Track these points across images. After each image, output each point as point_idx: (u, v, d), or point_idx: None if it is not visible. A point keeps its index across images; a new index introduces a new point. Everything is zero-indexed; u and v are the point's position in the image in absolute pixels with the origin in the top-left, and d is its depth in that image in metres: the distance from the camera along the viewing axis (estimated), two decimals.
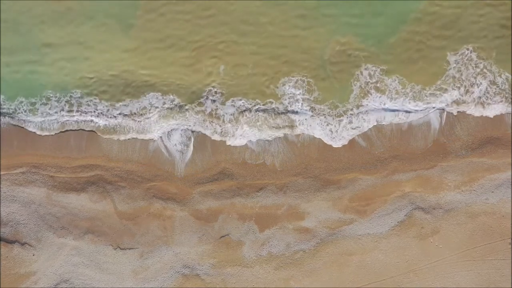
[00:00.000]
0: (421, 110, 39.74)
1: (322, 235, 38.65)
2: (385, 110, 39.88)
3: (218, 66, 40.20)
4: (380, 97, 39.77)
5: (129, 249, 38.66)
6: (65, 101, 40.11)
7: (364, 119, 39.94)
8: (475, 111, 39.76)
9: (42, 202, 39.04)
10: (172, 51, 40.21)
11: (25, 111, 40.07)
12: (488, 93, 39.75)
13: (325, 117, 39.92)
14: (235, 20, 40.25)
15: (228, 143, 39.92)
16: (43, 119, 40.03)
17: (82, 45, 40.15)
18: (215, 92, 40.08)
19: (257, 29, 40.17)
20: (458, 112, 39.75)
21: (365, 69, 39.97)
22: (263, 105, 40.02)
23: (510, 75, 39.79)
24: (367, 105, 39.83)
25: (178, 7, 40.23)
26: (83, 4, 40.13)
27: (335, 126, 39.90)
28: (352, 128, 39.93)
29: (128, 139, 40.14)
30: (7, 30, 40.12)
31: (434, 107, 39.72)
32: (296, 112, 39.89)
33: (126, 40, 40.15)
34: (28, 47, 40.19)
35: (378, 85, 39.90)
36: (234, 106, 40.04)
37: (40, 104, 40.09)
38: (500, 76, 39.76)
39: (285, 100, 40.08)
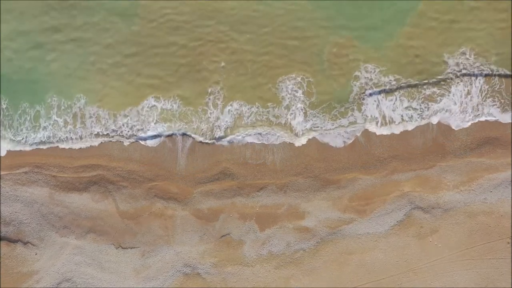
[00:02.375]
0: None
1: (322, 235, 38.86)
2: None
3: (219, 63, 40.57)
4: (373, 91, 40.08)
5: (131, 248, 38.89)
6: (68, 109, 40.25)
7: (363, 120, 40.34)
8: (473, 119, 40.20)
9: (45, 201, 39.28)
10: (174, 56, 40.62)
11: (27, 129, 40.10)
12: (481, 94, 40.00)
13: (317, 120, 40.22)
14: (235, 28, 40.75)
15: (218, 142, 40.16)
16: (47, 134, 40.23)
17: (87, 48, 40.64)
18: (218, 92, 40.33)
19: (257, 37, 40.59)
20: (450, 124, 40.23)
21: (364, 68, 40.28)
22: (263, 108, 40.28)
23: (509, 71, 40.00)
24: (366, 104, 40.16)
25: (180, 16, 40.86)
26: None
27: (326, 126, 40.16)
28: (349, 122, 40.21)
29: (131, 142, 40.44)
30: (9, 24, 40.47)
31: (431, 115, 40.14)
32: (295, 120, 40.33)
33: (129, 44, 40.59)
34: (32, 50, 40.62)
35: (375, 81, 40.22)
36: (232, 110, 40.27)
37: (45, 122, 40.18)
38: (497, 70, 40.00)
39: (285, 101, 40.36)
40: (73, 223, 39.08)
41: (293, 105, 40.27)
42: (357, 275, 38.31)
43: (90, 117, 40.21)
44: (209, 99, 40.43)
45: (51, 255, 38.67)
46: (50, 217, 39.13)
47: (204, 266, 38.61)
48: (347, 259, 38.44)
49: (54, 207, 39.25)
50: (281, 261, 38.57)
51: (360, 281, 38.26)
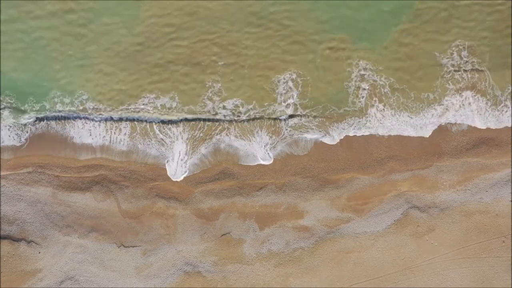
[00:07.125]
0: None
1: (321, 233, 39.28)
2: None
3: (217, 63, 41.10)
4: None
5: (133, 247, 39.26)
6: (70, 104, 40.72)
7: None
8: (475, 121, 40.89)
9: (48, 201, 39.60)
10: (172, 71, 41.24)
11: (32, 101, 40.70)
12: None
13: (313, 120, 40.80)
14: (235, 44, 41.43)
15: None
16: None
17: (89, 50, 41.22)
18: (217, 88, 40.69)
19: (257, 52, 41.11)
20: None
21: (356, 63, 40.74)
22: (261, 109, 40.70)
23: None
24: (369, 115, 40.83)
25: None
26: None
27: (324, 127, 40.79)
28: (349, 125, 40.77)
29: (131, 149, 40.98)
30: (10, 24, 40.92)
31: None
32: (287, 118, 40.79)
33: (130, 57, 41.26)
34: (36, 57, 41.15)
35: (365, 76, 40.70)
36: (230, 107, 40.79)
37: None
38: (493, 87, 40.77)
39: (281, 97, 40.75)
40: (76, 222, 39.42)
41: (288, 101, 40.70)
42: (355, 273, 38.77)
43: (92, 107, 40.64)
44: (208, 92, 40.71)
45: (54, 253, 39.03)
46: (53, 216, 39.43)
47: (204, 264, 39.00)
48: (345, 258, 38.88)
49: (57, 206, 39.56)
50: (281, 259, 38.99)
51: (358, 279, 38.71)
